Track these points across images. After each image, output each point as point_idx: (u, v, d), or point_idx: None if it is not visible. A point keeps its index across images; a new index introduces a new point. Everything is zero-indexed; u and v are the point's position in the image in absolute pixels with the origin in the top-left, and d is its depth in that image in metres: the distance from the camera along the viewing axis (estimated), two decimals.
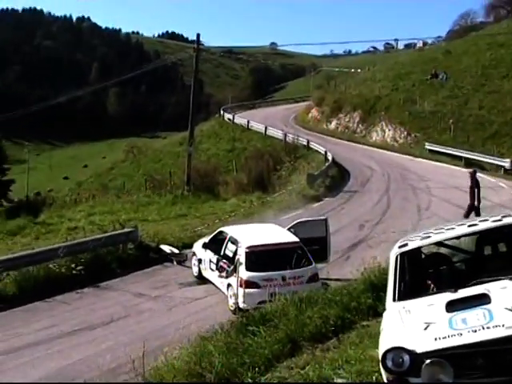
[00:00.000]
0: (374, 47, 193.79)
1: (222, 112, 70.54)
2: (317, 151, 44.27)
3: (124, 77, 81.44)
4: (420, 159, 42.47)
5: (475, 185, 22.73)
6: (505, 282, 6.95)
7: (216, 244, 16.64)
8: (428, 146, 44.32)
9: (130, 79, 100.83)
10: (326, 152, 41.77)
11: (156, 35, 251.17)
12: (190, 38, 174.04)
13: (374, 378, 7.33)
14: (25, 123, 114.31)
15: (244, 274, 14.45)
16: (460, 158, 40.66)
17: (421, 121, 48.64)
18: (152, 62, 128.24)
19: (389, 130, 51.34)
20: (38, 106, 63.99)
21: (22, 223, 28.27)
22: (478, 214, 22.03)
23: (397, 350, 6.29)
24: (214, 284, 16.49)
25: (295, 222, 17.13)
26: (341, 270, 16.42)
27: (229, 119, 66.20)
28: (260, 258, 14.73)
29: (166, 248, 20.57)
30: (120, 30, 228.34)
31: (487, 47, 57.75)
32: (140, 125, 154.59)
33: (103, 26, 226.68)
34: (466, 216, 21.87)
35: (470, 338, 6.10)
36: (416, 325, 6.57)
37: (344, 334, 9.82)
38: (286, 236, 15.93)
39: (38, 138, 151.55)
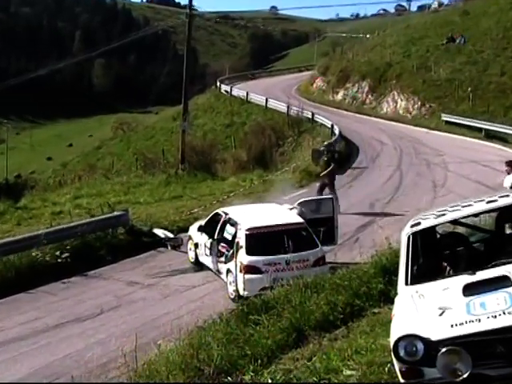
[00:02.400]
0: (385, 9, 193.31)
1: (218, 83, 70.26)
2: (322, 124, 44.12)
3: (110, 46, 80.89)
4: (436, 132, 42.27)
5: (332, 159, 23.32)
6: None
7: (213, 227, 16.61)
8: (444, 117, 43.97)
9: (117, 49, 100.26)
10: (332, 125, 41.63)
11: (145, 0, 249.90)
12: (182, 3, 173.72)
13: (385, 369, 7.36)
14: (2, 99, 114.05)
15: (244, 258, 14.48)
16: (480, 129, 40.44)
17: (436, 90, 48.32)
18: (141, 29, 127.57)
19: (401, 101, 51.09)
20: (17, 79, 63.69)
21: (1, 208, 28.17)
22: (320, 192, 22.30)
23: (410, 338, 6.30)
24: (211, 270, 16.54)
25: (299, 202, 17.13)
26: (349, 253, 16.49)
27: (226, 91, 65.92)
28: (261, 240, 14.75)
29: (160, 232, 20.63)
30: None
31: (509, 6, 57.14)
32: (129, 98, 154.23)
33: None
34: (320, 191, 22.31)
35: (489, 324, 6.11)
36: (430, 310, 6.58)
37: (353, 321, 9.87)
38: (289, 216, 15.94)
39: (18, 115, 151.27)
